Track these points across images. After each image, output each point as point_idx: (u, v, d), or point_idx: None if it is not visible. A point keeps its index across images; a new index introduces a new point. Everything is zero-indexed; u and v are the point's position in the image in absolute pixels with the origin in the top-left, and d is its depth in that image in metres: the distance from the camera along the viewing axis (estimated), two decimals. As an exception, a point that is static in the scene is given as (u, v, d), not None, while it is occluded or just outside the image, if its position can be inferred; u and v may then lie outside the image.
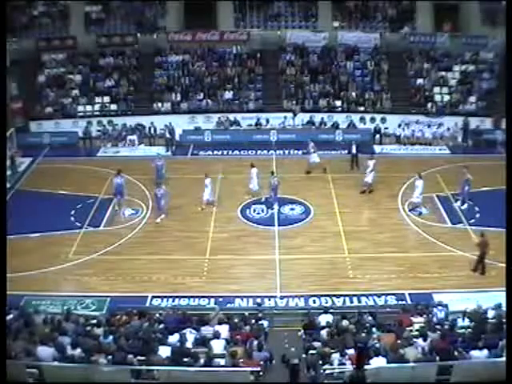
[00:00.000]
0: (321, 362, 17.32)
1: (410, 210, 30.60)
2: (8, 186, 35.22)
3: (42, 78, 44.16)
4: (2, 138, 26.70)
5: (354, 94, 42.28)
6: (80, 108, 42.77)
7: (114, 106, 42.83)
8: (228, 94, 42.76)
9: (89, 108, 42.82)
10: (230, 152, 38.83)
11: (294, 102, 41.93)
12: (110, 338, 18.29)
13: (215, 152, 38.97)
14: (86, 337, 18.24)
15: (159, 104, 42.45)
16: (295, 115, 41.25)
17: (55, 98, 43.17)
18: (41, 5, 45.89)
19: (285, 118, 41.27)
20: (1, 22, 25.87)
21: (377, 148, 38.67)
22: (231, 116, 41.64)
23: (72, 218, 30.59)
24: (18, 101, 42.41)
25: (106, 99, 42.94)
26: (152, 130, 40.73)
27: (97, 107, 42.82)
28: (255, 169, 31.98)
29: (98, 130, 41.62)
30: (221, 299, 24.26)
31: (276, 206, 30.93)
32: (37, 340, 17.65)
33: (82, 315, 21.06)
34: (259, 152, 38.49)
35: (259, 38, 44.75)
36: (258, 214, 30.91)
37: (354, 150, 35.39)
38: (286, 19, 45.77)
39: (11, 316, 20.06)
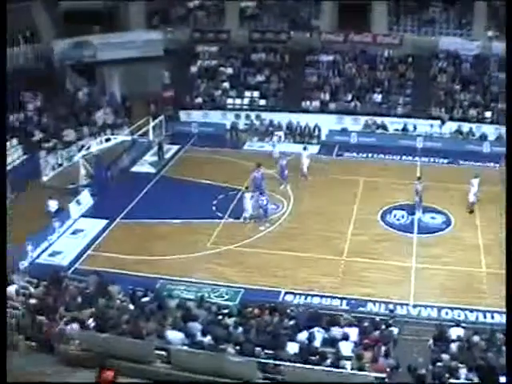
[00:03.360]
0: (447, 376, 16.66)
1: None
2: (154, 171, 36.45)
3: (194, 68, 45.25)
4: (2, 137, 27.34)
5: (504, 105, 40.55)
6: (229, 101, 43.50)
7: (262, 101, 43.22)
8: (377, 97, 42.11)
9: (238, 101, 43.47)
10: (375, 155, 38.26)
11: (443, 110, 40.64)
12: (240, 329, 18.35)
13: (360, 154, 38.52)
14: (216, 325, 18.40)
15: (308, 102, 42.41)
16: (443, 123, 40.03)
17: (206, 89, 44.11)
18: (197, -1, 47.18)
19: (432, 125, 40.16)
20: (1, 22, 26.36)
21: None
22: (379, 119, 41.00)
23: (213, 208, 31.10)
24: (169, 89, 43.68)
25: (256, 94, 43.40)
26: (299, 127, 40.81)
27: (246, 101, 43.37)
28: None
29: (246, 124, 42.14)
30: (353, 301, 23.91)
31: (419, 213, 30.13)
32: (168, 324, 18.01)
33: (215, 304, 21.27)
34: (404, 157, 37.71)
35: (412, 42, 43.66)
36: (398, 220, 30.23)
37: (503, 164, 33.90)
38: (441, 25, 44.48)
39: (147, 298, 20.62)
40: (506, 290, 18.63)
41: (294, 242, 28.36)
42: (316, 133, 40.44)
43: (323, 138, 40.48)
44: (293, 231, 29.39)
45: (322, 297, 24.21)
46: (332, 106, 42.14)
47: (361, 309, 23.29)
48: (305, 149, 35.98)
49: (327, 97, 42.48)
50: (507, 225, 21.48)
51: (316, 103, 42.34)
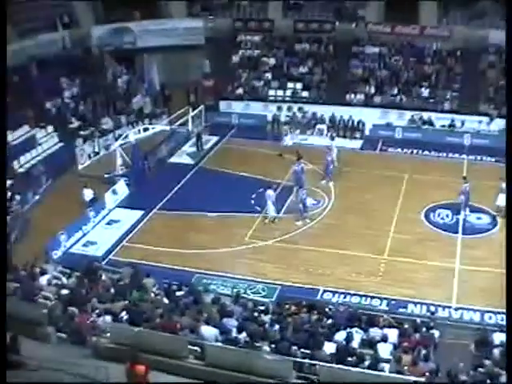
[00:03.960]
0: (489, 382, 16.42)
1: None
2: (192, 162, 36.58)
3: (235, 58, 45.28)
4: (2, 137, 27.45)
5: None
6: (271, 92, 43.43)
7: (305, 93, 43.07)
8: (423, 92, 41.62)
9: (280, 93, 43.37)
10: (420, 152, 37.86)
11: (492, 106, 40.01)
12: (277, 326, 18.33)
13: (404, 150, 38.15)
14: (252, 322, 18.39)
15: (352, 95, 42.13)
16: (492, 120, 39.42)
17: (247, 80, 44.12)
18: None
19: (480, 122, 39.56)
20: (1, 22, 26.49)
21: None
22: (425, 114, 40.52)
23: (252, 202, 31.06)
24: (209, 79, 43.75)
25: (298, 85, 43.25)
26: (342, 121, 40.60)
27: (288, 93, 43.25)
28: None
29: (287, 116, 42.06)
30: (393, 302, 23.69)
31: (464, 213, 29.73)
32: (203, 319, 18.04)
33: (251, 300, 21.28)
34: (450, 155, 37.25)
35: (461, 35, 42.81)
36: (443, 219, 29.86)
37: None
38: (491, 18, 43.78)
39: (181, 292, 20.69)
40: (507, 291, 18.54)
41: (334, 238, 28.20)
42: (360, 127, 40.18)
43: (367, 132, 40.22)
44: (333, 228, 29.23)
45: (361, 296, 24.03)
46: (377, 99, 41.81)
47: (401, 310, 23.07)
48: (332, 139, 36.13)
49: (372, 90, 42.16)
50: (507, 226, 21.09)
51: (360, 96, 42.04)
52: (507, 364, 14.75)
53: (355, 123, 40.31)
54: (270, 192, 29.62)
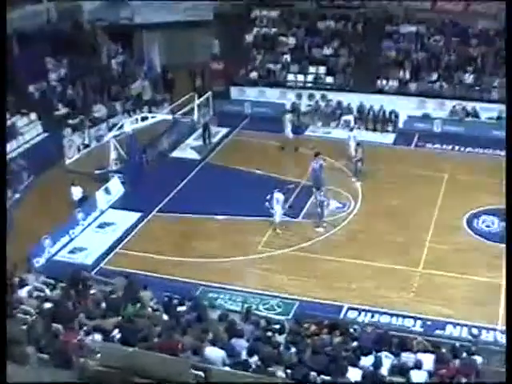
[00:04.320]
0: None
1: None
2: (198, 157, 36.63)
3: (249, 37, 45.29)
4: (2, 136, 27.73)
5: None
6: (290, 77, 43.48)
7: (329, 79, 43.09)
8: (467, 78, 41.48)
9: (300, 78, 43.40)
10: (462, 148, 37.76)
11: (546, 96, 39.93)
12: (293, 349, 18.31)
13: (444, 146, 38.06)
14: (265, 343, 18.37)
15: (383, 81, 42.11)
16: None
17: (262, 62, 44.15)
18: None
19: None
20: (1, 22, 26.89)
21: None
22: (469, 105, 40.40)
23: (266, 204, 31.02)
24: (219, 61, 43.81)
25: (322, 70, 43.27)
26: (372, 111, 40.58)
27: (310, 78, 43.29)
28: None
29: (309, 105, 42.08)
30: (429, 323, 23.64)
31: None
32: (208, 339, 18.03)
33: (264, 317, 21.26)
34: (497, 152, 36.98)
35: (512, 12, 42.94)
36: (488, 226, 29.76)
37: None
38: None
39: (184, 308, 20.70)
40: (507, 290, 18.86)
41: (360, 247, 28.22)
42: (392, 118, 40.12)
43: (400, 125, 40.18)
44: (360, 235, 29.24)
45: (391, 315, 24.01)
46: (413, 86, 41.72)
47: (438, 332, 23.04)
48: (351, 130, 36.46)
49: (407, 75, 42.06)
50: (507, 226, 21.09)
51: (393, 83, 42.01)
52: (507, 363, 15.02)
53: (387, 114, 40.31)
54: (278, 195, 29.30)
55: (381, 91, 41.92)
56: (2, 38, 27.34)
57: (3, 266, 18.97)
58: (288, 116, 38.07)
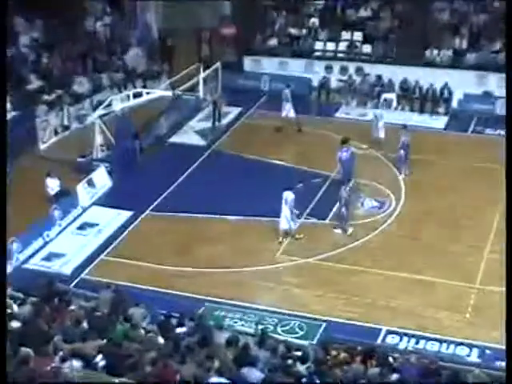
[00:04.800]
0: None
1: None
2: (203, 143, 36.65)
3: (268, -5, 45.38)
4: (3, 134, 28.16)
5: None
6: (318, 45, 43.53)
7: (367, 48, 43.12)
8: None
9: (330, 46, 43.48)
10: (530, 134, 37.72)
11: None
12: (318, 381, 18.28)
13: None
14: (284, 373, 18.34)
15: (434, 51, 42.02)
16: None
17: (284, 27, 44.11)
18: None
19: None
20: (1, 22, 27.39)
21: None
22: (542, 80, 40.39)
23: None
24: (229, 25, 43.73)
25: (357, 36, 43.28)
26: (419, 88, 40.51)
27: (342, 46, 43.31)
28: None
29: (341, 80, 42.05)
30: (489, 352, 23.54)
31: None
32: (214, 368, 17.99)
33: (283, 342, 21.25)
34: None
35: None
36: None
37: None
38: None
39: (184, 329, 20.67)
40: (507, 290, 19.28)
41: (403, 257, 28.21)
42: (445, 97, 39.98)
43: (455, 105, 40.10)
44: (402, 242, 29.25)
45: (441, 341, 23.91)
46: (470, 57, 41.59)
47: (499, 363, 22.92)
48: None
49: (464, 44, 41.94)
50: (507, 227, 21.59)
51: (447, 53, 41.92)
52: (507, 363, 15.57)
53: (438, 92, 40.18)
54: (287, 194, 28.96)
55: (431, 64, 41.88)
56: (1, 37, 27.86)
57: (3, 266, 19.51)
58: (287, 91, 38.03)
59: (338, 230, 29.70)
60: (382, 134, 35.02)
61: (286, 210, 28.96)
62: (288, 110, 37.44)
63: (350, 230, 29.68)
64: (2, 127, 27.81)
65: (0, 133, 27.45)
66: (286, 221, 29.10)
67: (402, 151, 33.51)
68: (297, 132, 37.06)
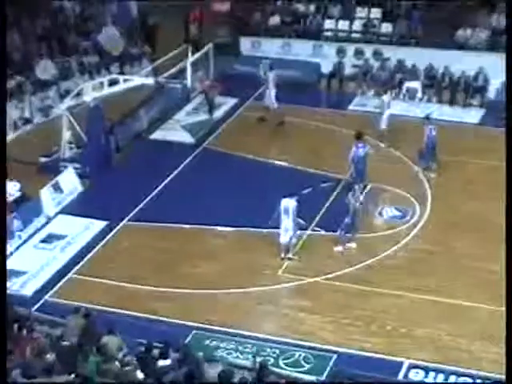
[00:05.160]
0: None
1: None
2: (191, 140, 36.65)
3: (269, -36, 45.50)
4: (2, 136, 28.60)
5: None
6: (328, 23, 43.63)
7: (386, 27, 43.16)
8: None
9: (343, 25, 43.64)
10: None
11: None
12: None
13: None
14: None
15: (467, 31, 42.04)
16: None
17: (287, 2, 44.14)
18: None
19: None
20: (1, 22, 28.01)
21: None
22: None
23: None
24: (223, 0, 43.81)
25: (375, 13, 43.37)
26: (448, 76, 40.58)
27: (357, 25, 43.37)
28: None
29: (355, 66, 42.10)
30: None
31: None
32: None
33: (287, 377, 21.27)
34: None
35: None
36: None
37: None
38: None
39: (167, 362, 20.63)
40: (506, 289, 19.39)
41: (429, 276, 28.16)
42: (479, 86, 39.98)
43: (491, 95, 40.13)
44: (428, 258, 29.24)
45: (474, 377, 23.86)
46: (510, 38, 41.73)
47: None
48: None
49: (502, 23, 41.91)
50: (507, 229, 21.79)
51: (482, 34, 41.96)
52: (507, 362, 16.12)
53: (471, 80, 40.16)
54: (288, 202, 28.84)
55: (462, 46, 41.90)
56: (1, 37, 28.39)
57: (3, 267, 19.90)
58: (272, 74, 38.06)
59: (339, 248, 29.58)
60: (384, 125, 34.96)
61: (286, 221, 28.80)
62: (271, 98, 37.71)
63: (353, 245, 29.69)
64: (1, 127, 28.21)
65: (0, 131, 27.86)
66: (286, 234, 28.98)
67: (425, 150, 33.54)
68: (277, 126, 37.10)
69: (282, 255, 29.02)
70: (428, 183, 33.17)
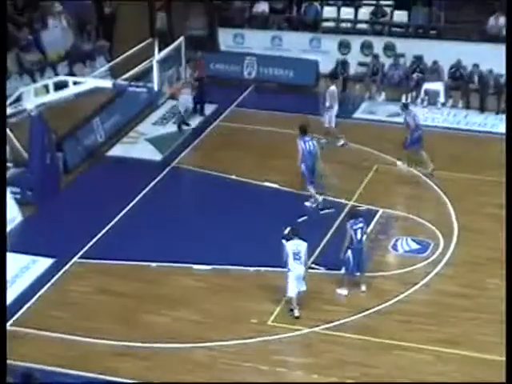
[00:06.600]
0: None
1: None
2: (159, 157, 36.70)
3: None
4: (3, 132, 28.92)
5: None
6: (327, 11, 43.73)
7: (400, 16, 43.31)
8: None
9: (347, 13, 43.80)
10: None
11: None
12: None
13: None
14: None
15: (500, 20, 42.25)
16: None
17: (280, -13, 44.54)
18: None
19: None
20: (1, 22, 29.87)
21: None
22: None
23: (283, 241, 30.98)
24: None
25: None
26: (476, 75, 40.74)
27: (364, 14, 43.49)
28: None
29: (362, 64, 42.23)
30: None
31: None
32: None
33: None
34: None
35: None
36: None
37: None
38: None
39: None
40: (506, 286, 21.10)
41: (455, 326, 28.19)
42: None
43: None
44: (454, 302, 29.25)
45: None
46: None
47: None
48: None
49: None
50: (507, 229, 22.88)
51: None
52: (507, 362, 17.62)
53: (505, 81, 40.30)
54: (298, 244, 28.36)
55: (495, 39, 42.02)
56: (2, 38, 28.95)
57: (3, 265, 21.87)
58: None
59: (343, 291, 29.64)
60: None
61: (296, 267, 28.01)
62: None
63: (362, 288, 29.73)
64: (2, 121, 28.49)
65: (0, 128, 28.12)
66: (296, 285, 28.31)
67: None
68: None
69: (296, 313, 28.43)
70: (453, 207, 33.13)
